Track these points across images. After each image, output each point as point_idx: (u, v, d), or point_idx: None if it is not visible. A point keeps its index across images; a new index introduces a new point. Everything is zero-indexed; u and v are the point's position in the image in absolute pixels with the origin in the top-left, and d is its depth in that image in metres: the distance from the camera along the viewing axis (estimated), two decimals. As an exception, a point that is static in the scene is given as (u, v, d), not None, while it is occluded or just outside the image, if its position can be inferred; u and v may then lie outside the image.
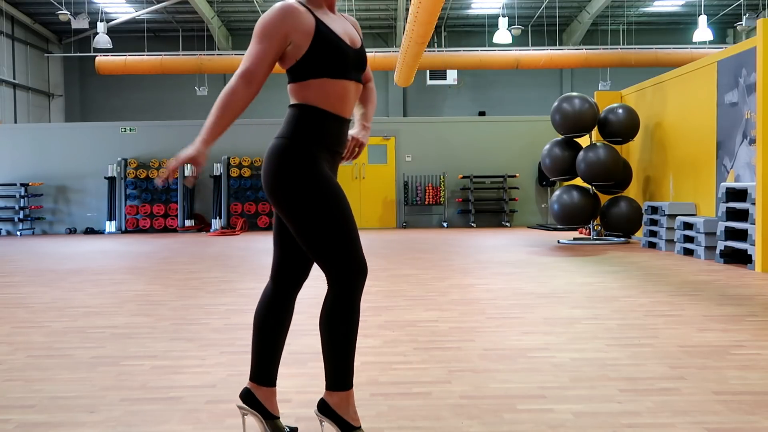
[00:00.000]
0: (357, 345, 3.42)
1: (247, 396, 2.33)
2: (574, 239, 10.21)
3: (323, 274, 6.62)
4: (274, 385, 2.34)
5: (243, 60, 2.17)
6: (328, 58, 2.21)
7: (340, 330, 2.18)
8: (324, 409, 2.23)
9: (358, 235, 2.23)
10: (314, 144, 2.22)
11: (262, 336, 2.32)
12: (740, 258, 7.30)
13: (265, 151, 2.28)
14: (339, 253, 2.17)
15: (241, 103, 2.13)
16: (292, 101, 2.28)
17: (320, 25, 2.21)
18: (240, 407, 2.34)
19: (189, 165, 2.08)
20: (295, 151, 2.19)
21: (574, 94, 9.81)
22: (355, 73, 2.30)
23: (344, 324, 2.18)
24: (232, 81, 2.13)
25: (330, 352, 2.21)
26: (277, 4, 2.19)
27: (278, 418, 2.34)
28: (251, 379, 2.34)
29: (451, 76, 18.66)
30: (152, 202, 14.58)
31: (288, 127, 2.24)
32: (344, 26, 2.33)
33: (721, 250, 7.37)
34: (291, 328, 4.16)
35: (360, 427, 2.24)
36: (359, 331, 3.61)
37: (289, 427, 2.36)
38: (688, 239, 8.19)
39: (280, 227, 2.34)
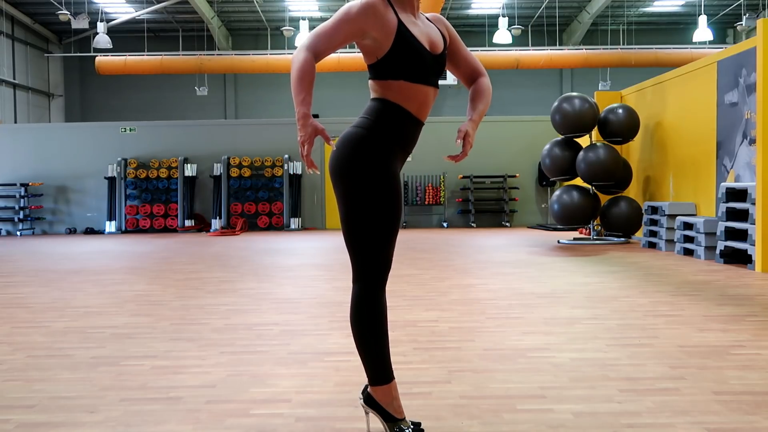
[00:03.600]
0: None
1: (369, 400, 2.32)
2: (574, 239, 10.21)
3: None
4: (393, 378, 2.31)
5: (313, 33, 2.21)
6: (407, 62, 2.23)
7: (365, 326, 2.25)
8: (369, 401, 2.31)
9: (395, 239, 2.27)
10: (391, 140, 2.25)
11: (376, 336, 2.28)
12: (740, 258, 7.30)
13: (341, 137, 2.28)
14: (371, 252, 2.23)
15: (309, 69, 2.16)
16: (374, 95, 2.30)
17: (402, 26, 2.22)
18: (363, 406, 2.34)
19: (303, 144, 2.12)
20: (372, 143, 2.23)
21: (574, 94, 9.81)
22: (434, 79, 2.32)
23: (368, 320, 2.24)
24: (299, 53, 2.17)
25: (360, 348, 2.28)
26: None
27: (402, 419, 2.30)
28: (372, 383, 2.30)
29: (451, 76, 18.63)
30: (152, 202, 14.58)
31: (368, 120, 2.26)
32: (427, 30, 2.33)
33: (721, 250, 7.37)
34: (290, 328, 4.16)
35: (404, 418, 2.28)
36: None
37: (412, 422, 2.33)
38: (688, 239, 8.19)
39: None
